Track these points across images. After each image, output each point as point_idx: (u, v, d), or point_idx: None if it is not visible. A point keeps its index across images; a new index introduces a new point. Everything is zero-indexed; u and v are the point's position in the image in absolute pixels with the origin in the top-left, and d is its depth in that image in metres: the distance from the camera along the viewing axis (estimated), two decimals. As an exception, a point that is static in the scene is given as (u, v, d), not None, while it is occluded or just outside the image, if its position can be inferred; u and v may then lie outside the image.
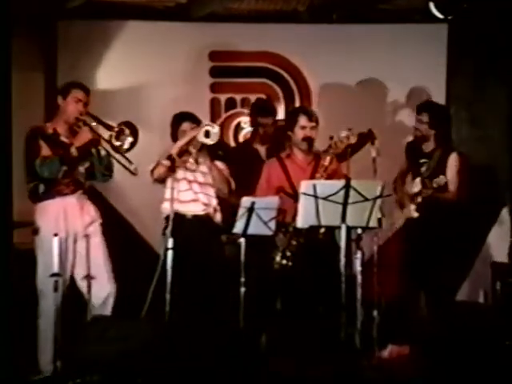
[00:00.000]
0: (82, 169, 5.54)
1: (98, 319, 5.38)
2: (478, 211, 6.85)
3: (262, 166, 6.32)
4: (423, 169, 6.11)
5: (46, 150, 5.42)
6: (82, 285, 5.49)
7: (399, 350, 5.76)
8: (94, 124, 5.45)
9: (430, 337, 5.78)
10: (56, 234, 5.20)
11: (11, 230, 5.46)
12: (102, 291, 5.52)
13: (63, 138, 5.52)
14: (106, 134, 5.43)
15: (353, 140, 5.78)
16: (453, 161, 6.12)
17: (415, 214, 6.01)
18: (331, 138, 5.86)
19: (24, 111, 6.58)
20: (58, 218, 5.44)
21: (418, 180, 6.06)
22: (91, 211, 5.61)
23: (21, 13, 5.92)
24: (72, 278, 5.53)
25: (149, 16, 7.36)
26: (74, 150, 5.41)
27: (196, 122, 6.02)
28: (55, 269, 5.14)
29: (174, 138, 6.04)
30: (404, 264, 6.19)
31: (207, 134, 5.75)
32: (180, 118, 6.07)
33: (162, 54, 7.36)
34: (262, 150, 6.71)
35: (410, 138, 6.49)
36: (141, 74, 7.35)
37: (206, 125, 5.82)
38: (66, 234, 5.45)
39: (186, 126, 5.98)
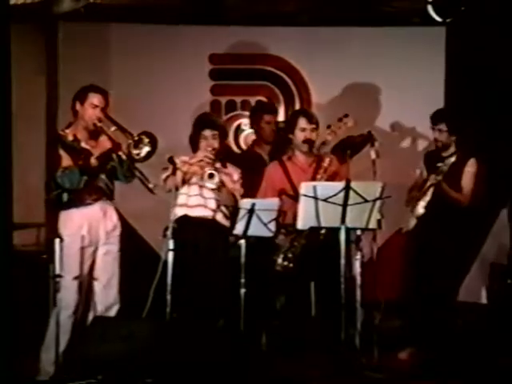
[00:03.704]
0: (103, 176, 5.53)
1: (100, 320, 5.40)
2: (478, 212, 6.85)
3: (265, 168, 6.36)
4: (439, 165, 6.00)
5: (66, 160, 5.37)
6: (96, 286, 5.53)
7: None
8: (113, 129, 5.39)
9: (430, 337, 5.82)
10: (58, 237, 5.22)
11: (11, 231, 5.49)
12: (109, 298, 5.54)
13: (84, 145, 5.47)
14: (124, 140, 5.37)
15: (350, 123, 5.81)
16: (470, 166, 6.07)
17: (421, 211, 5.97)
18: (329, 126, 5.91)
19: (26, 113, 6.64)
20: (81, 228, 5.43)
21: (431, 177, 5.99)
22: (113, 217, 5.58)
23: (22, 14, 5.96)
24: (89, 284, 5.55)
25: (149, 19, 7.38)
26: (94, 161, 5.37)
27: (217, 128, 6.04)
28: (57, 270, 5.16)
29: (193, 141, 6.04)
30: (407, 264, 6.19)
31: (211, 176, 5.79)
32: (202, 123, 6.07)
33: (162, 56, 7.38)
34: (264, 153, 6.72)
35: (430, 148, 6.46)
36: (140, 76, 7.36)
37: (211, 169, 5.83)
38: (89, 242, 5.47)
39: (207, 132, 5.99)
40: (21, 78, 5.92)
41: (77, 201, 5.42)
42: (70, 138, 5.45)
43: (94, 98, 5.44)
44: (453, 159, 6.02)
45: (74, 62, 7.20)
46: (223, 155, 6.11)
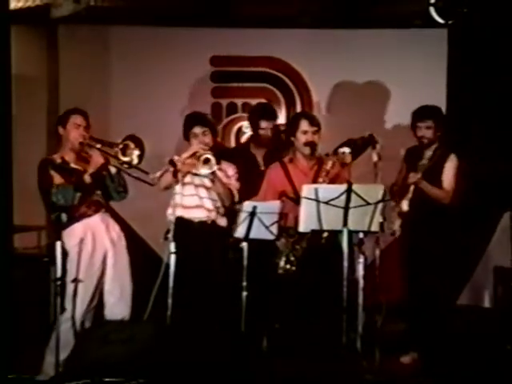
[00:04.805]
0: (98, 191, 5.53)
1: (101, 323, 5.40)
2: (481, 216, 6.84)
3: (258, 171, 6.29)
4: (420, 163, 5.99)
5: (58, 179, 5.40)
6: (107, 299, 5.54)
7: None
8: (98, 146, 5.42)
9: (432, 341, 5.80)
10: (59, 240, 5.23)
11: (11, 234, 5.50)
12: (123, 310, 5.56)
13: (73, 165, 5.49)
14: (111, 152, 5.40)
15: (347, 160, 5.70)
16: (450, 161, 6.00)
17: (405, 208, 5.92)
18: (327, 154, 5.84)
19: (27, 113, 6.64)
20: (85, 238, 5.45)
21: (410, 175, 5.99)
22: (116, 227, 5.62)
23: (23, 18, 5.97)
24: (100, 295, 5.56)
25: (149, 21, 7.37)
26: (87, 177, 5.39)
27: (207, 125, 5.93)
28: (59, 273, 5.16)
29: (186, 138, 5.96)
30: (404, 268, 6.16)
31: (207, 161, 5.73)
32: (191, 121, 5.98)
33: (163, 58, 7.38)
34: (259, 154, 6.58)
35: (410, 145, 6.43)
36: (141, 79, 7.36)
37: (207, 153, 5.75)
38: (96, 250, 5.47)
39: (197, 129, 5.91)
40: (22, 81, 5.95)
41: (77, 216, 5.45)
42: (59, 160, 5.48)
43: (76, 119, 5.50)
44: (430, 153, 5.98)
45: (74, 64, 7.20)
46: (216, 152, 6.06)
